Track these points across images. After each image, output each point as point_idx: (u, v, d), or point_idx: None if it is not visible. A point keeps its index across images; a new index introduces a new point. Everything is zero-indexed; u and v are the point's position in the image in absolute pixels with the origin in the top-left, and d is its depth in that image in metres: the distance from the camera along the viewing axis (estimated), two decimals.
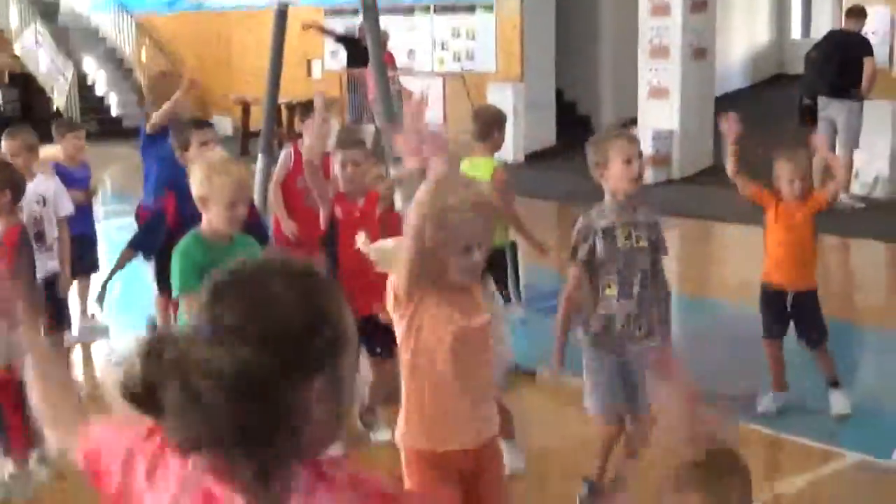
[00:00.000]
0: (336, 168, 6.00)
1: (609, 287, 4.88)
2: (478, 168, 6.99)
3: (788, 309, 6.20)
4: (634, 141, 5.11)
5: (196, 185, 4.52)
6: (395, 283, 3.57)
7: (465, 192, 3.54)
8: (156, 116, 7.85)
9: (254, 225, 5.99)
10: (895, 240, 10.78)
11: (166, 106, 7.76)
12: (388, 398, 6.44)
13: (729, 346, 7.40)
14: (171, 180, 6.41)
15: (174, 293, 4.54)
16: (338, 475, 1.81)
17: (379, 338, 5.52)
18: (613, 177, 4.86)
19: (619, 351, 4.89)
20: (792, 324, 6.24)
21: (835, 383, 6.18)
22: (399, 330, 3.61)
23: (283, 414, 1.70)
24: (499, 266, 6.71)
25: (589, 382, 4.99)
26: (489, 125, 7.01)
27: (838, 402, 6.14)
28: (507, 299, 6.90)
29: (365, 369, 6.09)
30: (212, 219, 4.50)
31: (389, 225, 6.29)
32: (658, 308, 5.05)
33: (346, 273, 5.64)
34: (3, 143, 6.77)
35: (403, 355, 3.63)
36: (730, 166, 6.22)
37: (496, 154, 7.11)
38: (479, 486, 3.79)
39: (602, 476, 4.98)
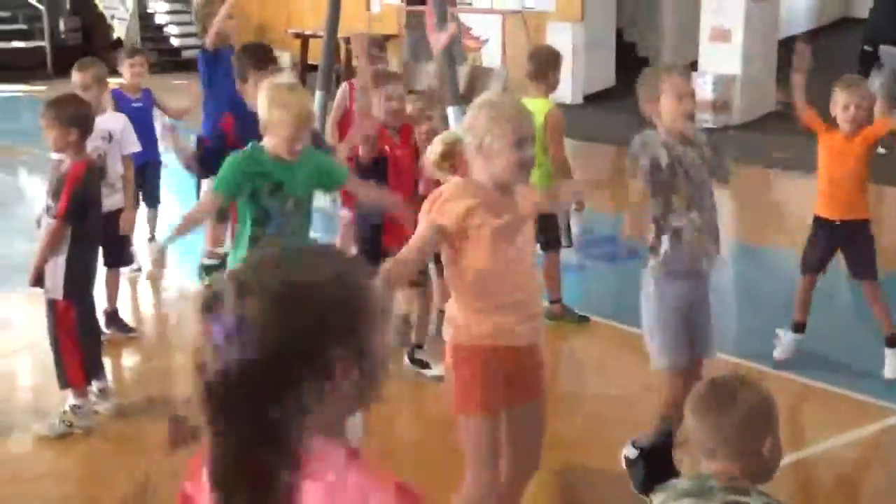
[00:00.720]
0: (379, 102, 6.00)
1: (677, 197, 4.74)
2: (533, 108, 6.94)
3: (836, 242, 6.08)
4: (687, 77, 5.03)
5: (261, 110, 4.53)
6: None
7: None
8: (207, 42, 7.85)
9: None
10: None
11: (211, 31, 7.73)
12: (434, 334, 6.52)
13: (785, 294, 7.30)
14: (230, 103, 6.38)
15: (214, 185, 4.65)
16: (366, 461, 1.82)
17: None
18: (665, 113, 4.73)
19: (690, 266, 4.78)
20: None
21: (892, 341, 6.01)
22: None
23: (304, 382, 1.74)
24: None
25: (653, 330, 4.85)
26: (544, 65, 6.99)
27: (893, 365, 5.98)
28: (558, 243, 6.86)
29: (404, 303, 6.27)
30: (274, 144, 4.52)
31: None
32: (714, 224, 4.94)
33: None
34: (74, 74, 6.72)
35: (451, 261, 3.83)
36: (795, 93, 6.15)
37: (551, 94, 7.07)
38: (519, 386, 3.91)
39: (668, 435, 4.80)
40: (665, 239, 4.76)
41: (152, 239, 8.46)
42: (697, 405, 2.75)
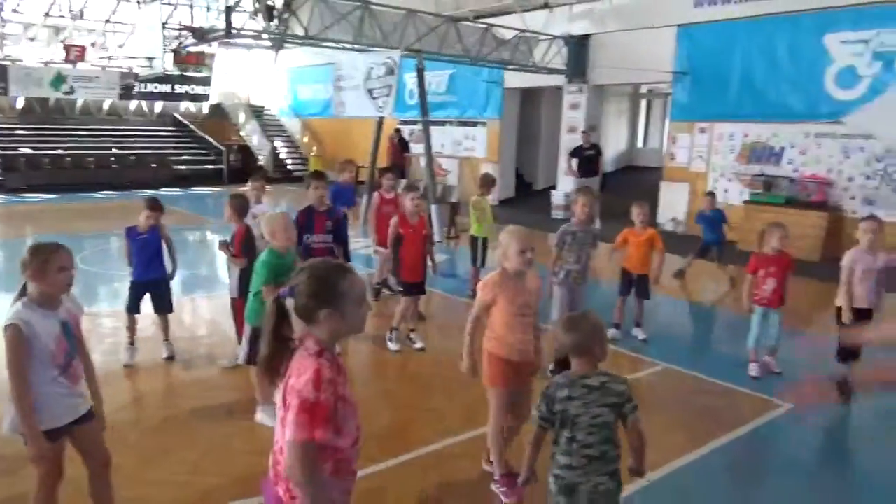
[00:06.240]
0: (406, 203, 5.65)
1: (569, 253, 5.04)
2: (481, 204, 7.05)
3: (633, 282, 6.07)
4: (591, 194, 5.11)
5: (265, 228, 4.13)
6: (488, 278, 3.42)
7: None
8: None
9: (339, 220, 5.51)
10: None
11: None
12: (416, 322, 5.97)
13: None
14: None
15: (266, 282, 4.00)
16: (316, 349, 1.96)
17: (416, 289, 5.58)
18: (577, 212, 5.02)
19: (572, 286, 5.00)
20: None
21: (638, 324, 6.08)
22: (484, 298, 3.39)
23: (313, 314, 1.95)
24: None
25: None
26: (487, 183, 7.24)
27: (639, 334, 6.05)
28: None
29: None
30: (279, 242, 4.07)
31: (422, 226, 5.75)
32: (586, 267, 5.12)
33: (405, 260, 5.56)
34: (249, 182, 6.43)
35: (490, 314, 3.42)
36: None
37: (490, 197, 7.24)
38: (520, 386, 3.52)
39: None
40: (561, 273, 5.00)
41: None
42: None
